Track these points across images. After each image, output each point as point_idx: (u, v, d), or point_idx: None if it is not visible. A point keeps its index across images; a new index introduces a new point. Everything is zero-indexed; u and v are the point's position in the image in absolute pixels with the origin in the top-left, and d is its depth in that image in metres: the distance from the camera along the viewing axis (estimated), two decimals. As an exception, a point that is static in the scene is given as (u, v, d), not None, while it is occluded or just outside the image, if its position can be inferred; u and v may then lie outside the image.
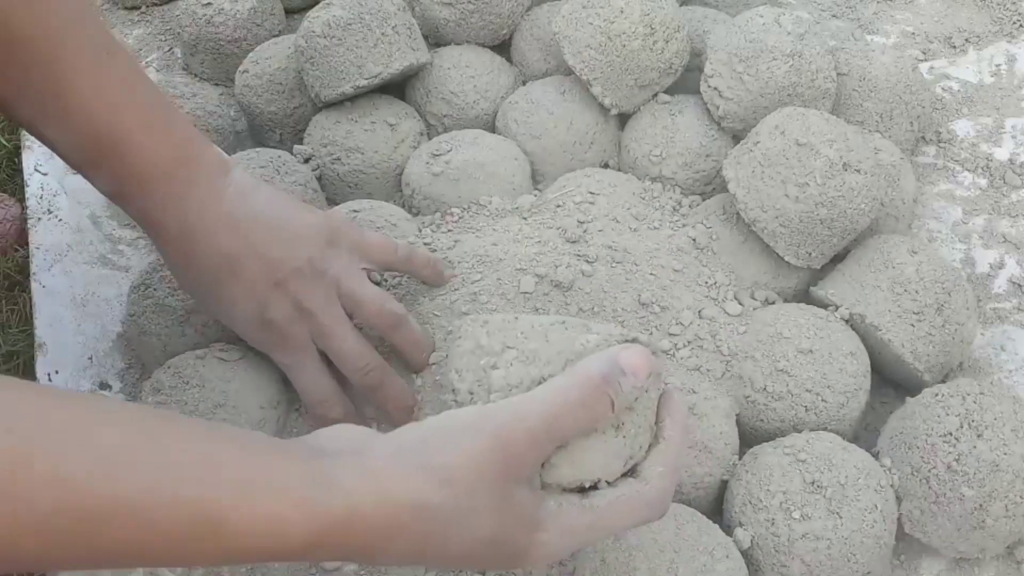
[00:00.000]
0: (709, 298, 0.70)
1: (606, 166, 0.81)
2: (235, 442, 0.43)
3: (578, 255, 0.69)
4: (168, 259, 0.64)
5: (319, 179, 0.80)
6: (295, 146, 0.82)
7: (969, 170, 0.83)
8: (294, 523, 0.40)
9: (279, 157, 0.77)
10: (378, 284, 0.68)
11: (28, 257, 0.80)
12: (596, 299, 0.67)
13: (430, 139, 0.81)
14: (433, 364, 0.66)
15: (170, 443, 0.40)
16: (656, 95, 0.80)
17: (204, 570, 0.60)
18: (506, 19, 0.86)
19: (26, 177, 0.85)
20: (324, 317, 0.62)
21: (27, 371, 0.81)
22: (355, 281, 0.63)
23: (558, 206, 0.74)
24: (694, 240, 0.72)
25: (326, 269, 0.62)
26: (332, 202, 0.80)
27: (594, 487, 0.46)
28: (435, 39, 0.87)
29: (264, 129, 0.85)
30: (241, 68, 0.85)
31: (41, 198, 0.83)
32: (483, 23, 0.85)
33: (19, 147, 0.91)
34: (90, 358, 0.73)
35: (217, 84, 0.92)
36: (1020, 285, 0.76)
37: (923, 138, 0.85)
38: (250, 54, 0.86)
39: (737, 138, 0.77)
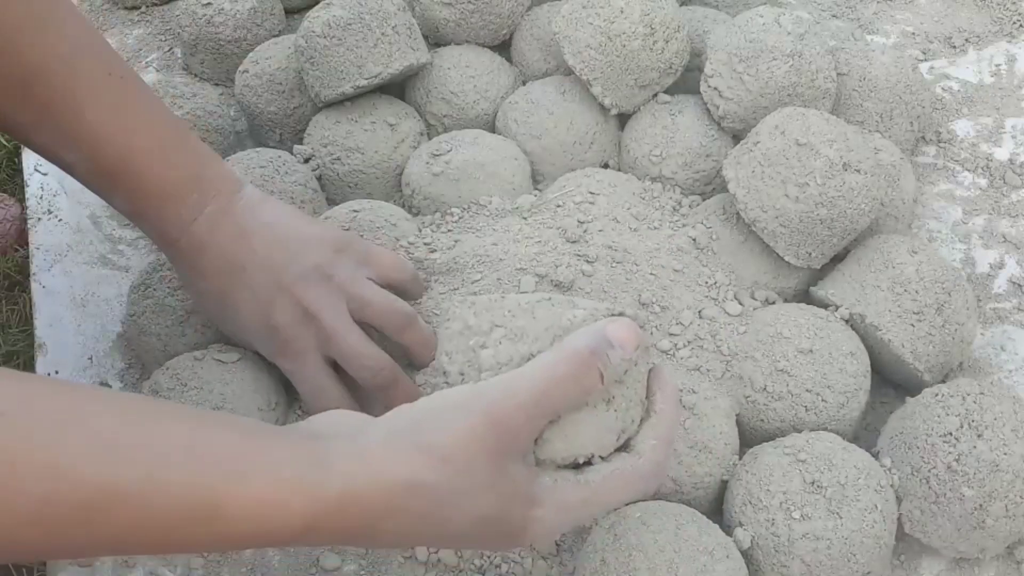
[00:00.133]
0: (709, 298, 0.70)
1: (606, 166, 0.81)
2: (229, 428, 0.43)
3: (578, 255, 0.69)
4: (181, 273, 0.66)
5: (319, 179, 0.80)
6: (295, 146, 0.82)
7: (969, 170, 0.83)
8: (289, 507, 0.41)
9: (279, 157, 0.77)
10: None
11: (28, 257, 0.80)
12: (596, 299, 0.67)
13: (430, 139, 0.81)
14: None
15: (164, 430, 0.41)
16: (656, 95, 0.80)
17: (204, 570, 0.60)
18: (506, 19, 0.86)
19: (26, 177, 0.85)
20: (330, 320, 0.62)
21: (27, 371, 0.81)
22: (361, 285, 0.63)
23: (558, 206, 0.74)
24: (694, 240, 0.72)
25: (332, 275, 0.62)
26: (332, 202, 0.80)
27: (588, 462, 0.47)
28: (435, 39, 0.87)
29: (264, 129, 0.85)
30: (241, 68, 0.85)
31: (41, 198, 0.83)
32: (483, 23, 0.85)
33: (19, 147, 0.91)
34: (90, 358, 0.73)
35: (217, 84, 0.92)
36: (1020, 285, 0.76)
37: (923, 138, 0.85)
38: (250, 54, 0.86)
39: (737, 138, 0.77)
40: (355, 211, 0.73)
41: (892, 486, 0.60)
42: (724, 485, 0.63)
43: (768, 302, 0.71)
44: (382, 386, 0.63)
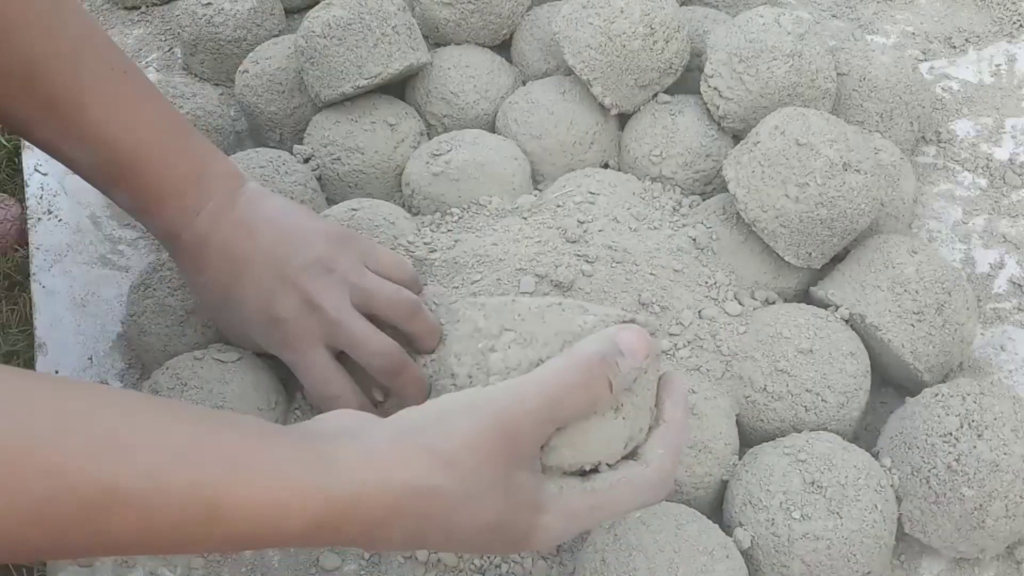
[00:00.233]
0: (709, 298, 0.70)
1: (606, 166, 0.81)
2: (232, 427, 0.43)
3: (578, 255, 0.69)
4: (183, 268, 0.66)
5: (319, 179, 0.80)
6: (295, 146, 0.82)
7: (969, 170, 0.83)
8: (292, 508, 0.40)
9: (278, 157, 0.77)
10: None
11: (28, 257, 0.80)
12: (596, 299, 0.67)
13: (430, 139, 0.81)
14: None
15: (166, 429, 0.40)
16: (656, 95, 0.80)
17: (204, 570, 0.60)
18: (506, 19, 0.86)
19: (26, 177, 0.85)
20: (334, 310, 0.61)
21: (27, 371, 0.81)
22: (364, 277, 0.63)
23: (558, 206, 0.74)
24: (694, 240, 0.72)
25: (334, 267, 0.62)
26: (332, 202, 0.80)
27: (595, 470, 0.46)
28: (435, 39, 0.87)
29: (264, 129, 0.85)
30: (241, 68, 0.86)
31: (41, 198, 0.83)
32: (483, 23, 0.85)
33: (19, 147, 0.91)
34: (90, 358, 0.73)
35: (217, 84, 0.92)
36: (1020, 285, 0.76)
37: (923, 138, 0.85)
38: (250, 54, 0.86)
39: (737, 138, 0.77)
40: (354, 209, 0.73)
41: (892, 486, 0.60)
42: (724, 485, 0.63)
43: (768, 302, 0.71)
44: (390, 372, 0.62)
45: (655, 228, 0.73)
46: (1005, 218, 0.80)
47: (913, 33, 0.94)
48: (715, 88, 0.75)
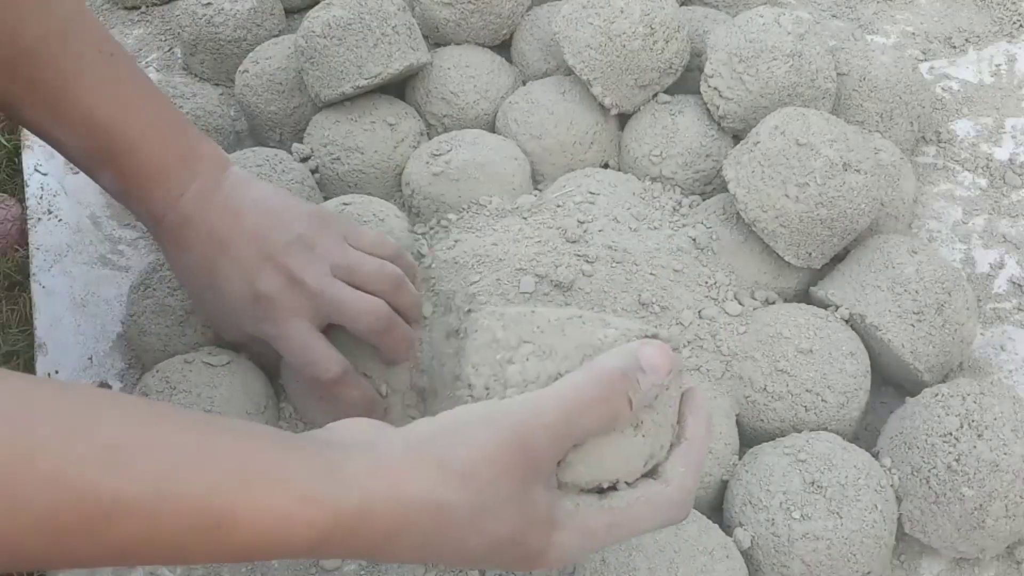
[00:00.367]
0: (709, 298, 0.70)
1: (606, 166, 0.81)
2: (240, 435, 0.41)
3: (578, 255, 0.69)
4: (165, 249, 0.66)
5: (319, 179, 0.80)
6: (293, 144, 0.82)
7: (969, 170, 0.83)
8: (301, 519, 0.39)
9: (275, 155, 0.77)
10: None
11: (28, 257, 0.80)
12: (596, 299, 0.67)
13: (430, 139, 0.81)
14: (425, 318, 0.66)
15: (173, 437, 0.39)
16: (656, 95, 0.80)
17: (204, 569, 0.60)
18: (506, 19, 0.86)
19: (26, 177, 0.85)
20: (315, 283, 0.61)
21: (27, 371, 0.81)
22: (347, 253, 0.63)
23: (558, 206, 0.74)
24: (694, 240, 0.72)
25: (315, 244, 0.62)
26: (332, 202, 0.80)
27: (613, 488, 0.45)
28: (435, 39, 0.87)
29: (264, 129, 0.85)
30: (241, 68, 0.85)
31: (41, 198, 0.83)
32: (483, 23, 0.85)
33: (19, 147, 0.91)
34: (90, 358, 0.73)
35: (217, 84, 0.91)
36: (1020, 285, 0.76)
37: (923, 138, 0.85)
38: (250, 54, 0.86)
39: (737, 138, 0.77)
40: (344, 204, 0.73)
41: (892, 486, 0.60)
42: (724, 485, 0.63)
43: (768, 302, 0.71)
44: (379, 330, 0.62)
45: (655, 228, 0.73)
46: (1005, 218, 0.80)
47: (913, 33, 0.94)
48: (715, 88, 0.75)
